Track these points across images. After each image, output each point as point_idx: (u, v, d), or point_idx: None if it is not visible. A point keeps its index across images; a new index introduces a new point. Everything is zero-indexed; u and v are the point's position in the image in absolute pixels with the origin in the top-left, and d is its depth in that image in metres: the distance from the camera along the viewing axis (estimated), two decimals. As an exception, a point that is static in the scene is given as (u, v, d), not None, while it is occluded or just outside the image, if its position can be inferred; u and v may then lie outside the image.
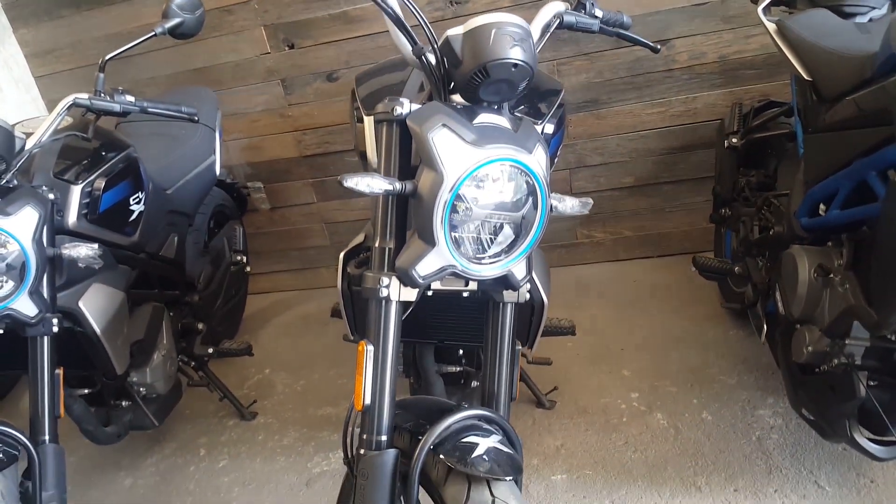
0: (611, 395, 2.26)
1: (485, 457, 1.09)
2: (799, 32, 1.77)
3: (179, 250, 2.32)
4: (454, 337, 1.63)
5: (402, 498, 1.13)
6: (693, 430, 2.06)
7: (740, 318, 2.49)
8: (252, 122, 3.10)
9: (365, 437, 1.15)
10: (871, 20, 1.88)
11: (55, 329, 1.59)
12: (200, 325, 2.38)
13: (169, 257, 2.26)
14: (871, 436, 1.57)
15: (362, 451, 1.15)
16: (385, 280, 1.14)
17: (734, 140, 2.35)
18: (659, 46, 1.55)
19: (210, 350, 2.39)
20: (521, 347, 1.48)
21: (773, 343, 1.89)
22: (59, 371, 1.60)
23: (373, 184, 1.09)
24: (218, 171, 2.60)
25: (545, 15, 1.29)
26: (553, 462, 2.02)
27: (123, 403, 2.06)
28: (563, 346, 2.52)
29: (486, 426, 1.16)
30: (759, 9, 1.96)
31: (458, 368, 1.82)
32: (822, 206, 1.64)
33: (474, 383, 1.85)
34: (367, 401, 1.15)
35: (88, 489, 2.25)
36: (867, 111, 1.43)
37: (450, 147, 1.06)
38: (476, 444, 1.11)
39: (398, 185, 1.10)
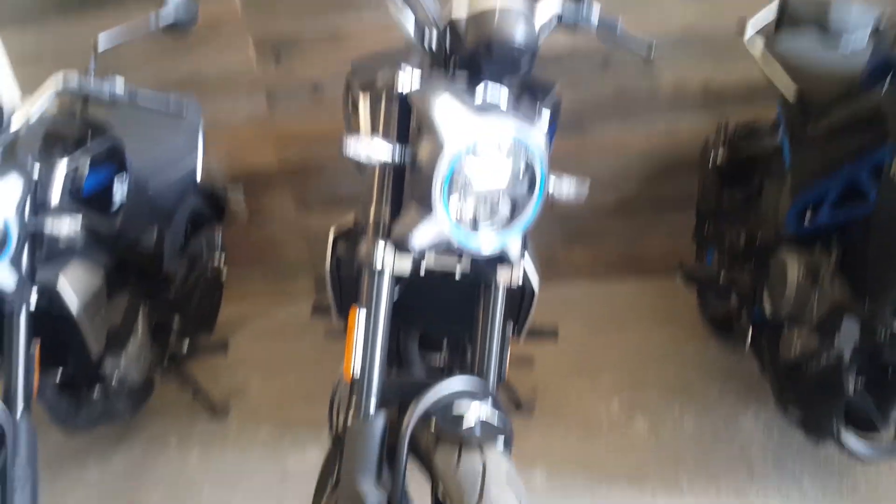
0: (591, 404, 2.25)
1: (475, 423, 1.08)
2: (787, 47, 1.84)
3: (158, 244, 2.28)
4: (439, 325, 1.62)
5: (388, 467, 1.10)
6: (675, 437, 2.05)
7: (719, 336, 2.50)
8: (234, 132, 3.07)
9: (353, 407, 1.13)
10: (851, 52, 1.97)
11: (34, 300, 1.54)
12: (175, 322, 2.33)
13: (147, 250, 2.22)
14: (857, 433, 1.59)
15: (350, 421, 1.12)
16: (379, 250, 1.13)
17: (719, 156, 2.39)
18: (652, 52, 1.57)
19: (185, 345, 2.34)
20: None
21: (758, 349, 1.91)
22: (36, 345, 1.55)
23: (373, 149, 1.09)
24: (199, 175, 2.58)
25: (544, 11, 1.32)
26: (533, 463, 1.99)
27: (95, 393, 2.00)
28: (543, 359, 2.51)
29: (474, 394, 1.14)
30: (745, 39, 2.03)
31: (442, 358, 1.80)
32: (807, 214, 1.68)
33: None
34: (357, 370, 1.13)
35: (55, 481, 2.16)
36: (859, 116, 1.49)
37: (452, 115, 1.07)
38: (467, 411, 1.09)
39: (398, 151, 1.10)
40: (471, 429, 1.06)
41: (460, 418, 1.08)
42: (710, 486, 1.83)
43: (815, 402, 1.61)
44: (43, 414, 1.89)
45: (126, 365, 1.99)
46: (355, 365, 1.12)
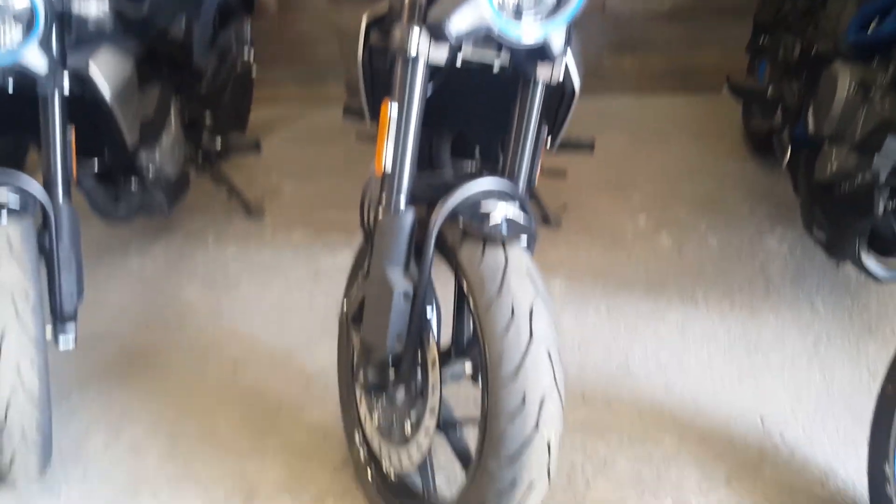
0: (619, 217, 2.28)
1: (501, 222, 1.10)
2: None
3: (187, 34, 2.22)
4: (473, 127, 1.60)
5: (415, 261, 1.15)
6: (698, 252, 2.08)
7: (759, 154, 2.46)
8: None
9: (384, 200, 1.15)
10: None
11: (66, 86, 1.54)
12: (208, 118, 2.34)
13: (177, 39, 2.16)
14: (877, 256, 1.61)
15: (380, 214, 1.15)
16: (414, 35, 1.08)
17: None
18: None
19: (218, 142, 2.36)
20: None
21: (794, 167, 1.89)
22: (72, 130, 1.57)
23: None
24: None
25: None
26: (555, 271, 2.05)
27: (133, 184, 2.06)
28: (577, 170, 2.49)
29: (503, 195, 1.15)
30: None
31: (474, 163, 1.80)
32: (872, 24, 1.57)
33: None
34: (388, 164, 1.13)
35: (97, 267, 2.29)
36: None
37: None
38: (493, 209, 1.11)
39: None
40: (496, 226, 1.08)
41: (487, 216, 1.10)
42: (724, 300, 1.89)
43: (843, 223, 1.61)
44: (83, 204, 1.97)
45: (161, 158, 2.02)
46: (386, 159, 1.13)
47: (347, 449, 1.49)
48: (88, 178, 1.93)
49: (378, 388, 1.23)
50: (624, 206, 2.33)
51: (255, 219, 2.50)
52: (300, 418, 1.65)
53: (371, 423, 1.32)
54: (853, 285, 1.88)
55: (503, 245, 1.09)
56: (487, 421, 1.05)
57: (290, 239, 2.38)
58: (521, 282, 1.06)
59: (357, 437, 1.42)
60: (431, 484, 1.30)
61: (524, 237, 1.10)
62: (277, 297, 2.10)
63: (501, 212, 1.10)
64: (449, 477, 1.43)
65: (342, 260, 2.22)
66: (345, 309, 1.32)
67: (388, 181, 1.14)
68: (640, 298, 1.93)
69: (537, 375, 1.02)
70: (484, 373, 1.06)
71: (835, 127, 1.59)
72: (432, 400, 1.14)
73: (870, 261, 1.60)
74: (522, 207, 1.17)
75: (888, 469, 1.22)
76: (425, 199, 1.17)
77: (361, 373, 1.24)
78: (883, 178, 1.49)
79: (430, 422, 1.15)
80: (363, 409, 1.35)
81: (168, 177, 2.10)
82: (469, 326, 1.18)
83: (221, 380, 1.79)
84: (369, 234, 1.22)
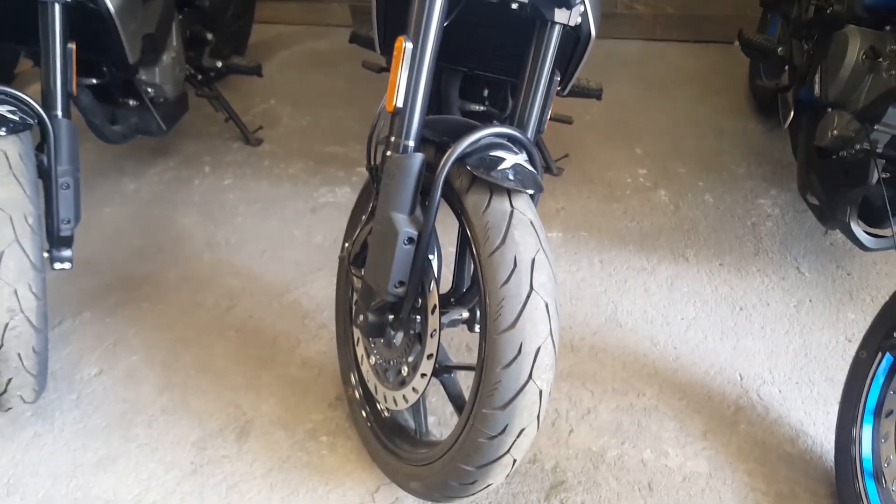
0: (619, 170, 2.28)
1: (509, 171, 1.10)
2: None
3: (190, -52, 2.15)
4: (485, 67, 1.57)
5: (420, 207, 1.15)
6: (693, 209, 2.11)
7: (762, 114, 2.46)
8: None
9: (393, 139, 1.14)
10: None
11: (68, -5, 1.48)
12: (209, 36, 2.28)
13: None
14: (866, 227, 1.64)
15: (388, 153, 1.14)
16: (434, -36, 1.05)
17: None
18: None
19: (218, 63, 2.31)
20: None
21: (794, 130, 1.89)
22: (72, 45, 1.53)
23: None
24: None
25: None
26: (551, 221, 2.08)
27: (131, 103, 2.02)
28: (582, 118, 2.48)
29: (512, 145, 1.15)
30: None
31: (482, 108, 1.79)
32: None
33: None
34: (400, 102, 1.12)
35: (92, 190, 2.28)
36: None
37: None
38: (502, 159, 1.11)
39: None
40: (505, 175, 1.08)
41: (496, 164, 1.09)
42: (714, 259, 1.93)
43: (836, 190, 1.63)
44: (81, 123, 1.93)
45: (160, 77, 1.99)
46: (398, 96, 1.11)
47: (342, 387, 1.53)
48: (86, 95, 1.89)
49: (377, 332, 1.26)
50: (625, 159, 2.33)
51: (252, 147, 2.48)
52: (295, 353, 1.69)
53: (367, 363, 1.35)
54: (838, 252, 1.92)
55: (509, 195, 1.10)
56: (483, 368, 1.08)
57: (288, 171, 2.37)
58: (524, 233, 1.07)
59: (353, 378, 1.46)
60: (424, 424, 1.34)
61: (530, 189, 1.10)
62: (275, 230, 2.11)
63: (511, 161, 1.10)
64: (440, 419, 1.49)
65: (341, 197, 2.22)
66: (346, 250, 1.33)
67: (398, 119, 1.13)
68: (632, 253, 1.96)
69: (534, 327, 1.05)
70: (483, 321, 1.08)
71: (840, 92, 1.58)
72: (430, 345, 1.17)
73: (858, 230, 1.63)
74: (531, 157, 1.17)
75: (855, 431, 1.28)
76: (434, 141, 1.17)
77: (361, 315, 1.26)
78: (881, 147, 1.50)
79: (426, 367, 1.18)
80: (360, 350, 1.38)
81: (167, 96, 2.07)
82: (469, 273, 1.20)
83: (217, 312, 1.81)
84: (375, 174, 1.22)
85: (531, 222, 1.09)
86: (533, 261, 1.07)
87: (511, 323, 1.04)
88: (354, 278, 1.32)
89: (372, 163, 1.24)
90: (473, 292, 1.22)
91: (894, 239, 1.54)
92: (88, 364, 1.66)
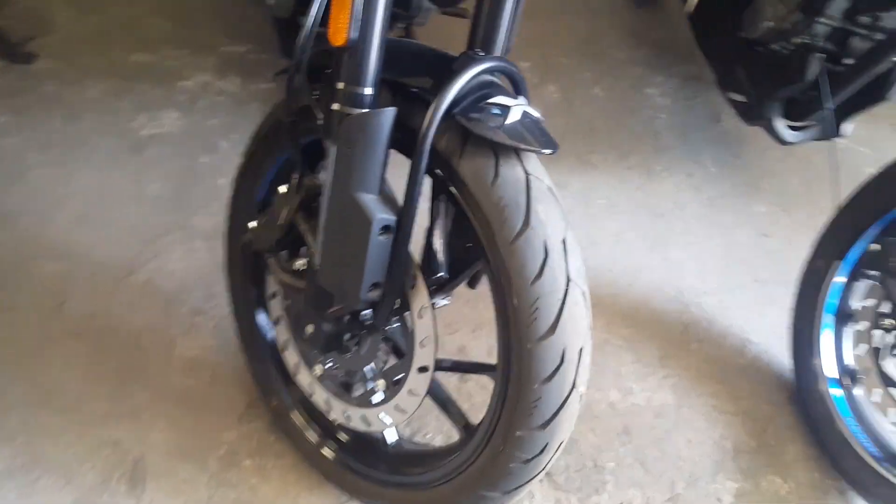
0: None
1: (520, 124, 0.80)
2: None
3: None
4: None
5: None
6: (586, 105, 1.94)
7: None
8: None
9: (343, 86, 0.78)
10: None
11: None
12: None
13: None
14: (789, 122, 1.58)
15: (339, 107, 0.78)
16: None
17: None
18: None
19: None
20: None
21: (702, 17, 1.74)
22: None
23: None
24: None
25: None
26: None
27: None
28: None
29: (512, 83, 0.85)
30: None
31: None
32: None
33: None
34: (355, 31, 0.75)
35: None
36: None
37: None
38: (506, 108, 0.81)
39: None
40: (519, 134, 0.78)
41: (500, 117, 0.79)
42: (620, 162, 1.80)
43: (767, 85, 1.53)
44: None
45: None
46: (352, 25, 0.74)
47: (255, 394, 1.20)
48: None
49: (335, 345, 0.94)
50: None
51: (24, 65, 1.81)
52: (172, 356, 1.29)
53: (309, 374, 1.03)
54: (731, 140, 1.89)
55: (517, 154, 0.81)
56: (511, 382, 0.83)
57: (85, 95, 1.78)
58: (548, 207, 0.81)
59: (279, 388, 1.13)
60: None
61: (548, 143, 0.81)
62: (90, 184, 1.58)
63: (518, 109, 0.80)
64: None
65: (170, 126, 1.72)
66: (254, 233, 0.96)
67: (352, 59, 0.77)
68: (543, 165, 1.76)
69: (575, 325, 0.81)
70: (505, 325, 0.82)
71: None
72: (421, 356, 0.89)
73: (781, 125, 1.57)
74: (524, 95, 0.87)
75: (817, 363, 1.24)
76: (398, 84, 0.83)
77: (309, 326, 0.93)
78: (820, 41, 1.41)
79: (416, 382, 0.90)
80: (292, 358, 1.05)
81: None
82: (453, 252, 0.91)
83: (41, 315, 1.33)
84: (297, 128, 0.86)
85: (550, 190, 0.83)
86: (564, 243, 0.81)
87: (550, 327, 0.80)
88: (276, 272, 0.97)
89: (293, 114, 0.86)
90: (464, 263, 0.92)
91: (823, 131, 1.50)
92: None
